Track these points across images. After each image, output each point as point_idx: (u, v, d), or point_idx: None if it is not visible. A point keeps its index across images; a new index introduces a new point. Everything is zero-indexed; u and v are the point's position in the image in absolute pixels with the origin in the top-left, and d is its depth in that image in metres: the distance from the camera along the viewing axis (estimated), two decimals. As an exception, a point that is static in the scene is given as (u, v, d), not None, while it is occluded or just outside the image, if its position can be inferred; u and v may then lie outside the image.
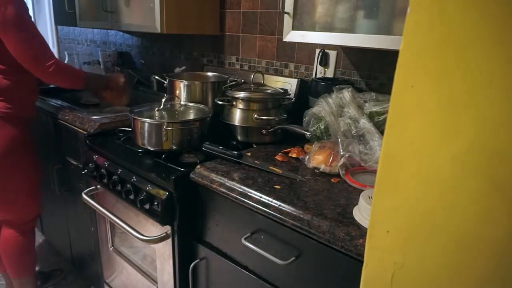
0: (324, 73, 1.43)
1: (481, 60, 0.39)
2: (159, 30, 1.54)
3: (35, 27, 1.38)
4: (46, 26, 2.88)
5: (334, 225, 0.76)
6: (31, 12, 1.97)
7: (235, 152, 1.08)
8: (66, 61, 2.35)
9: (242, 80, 1.53)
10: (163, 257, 1.18)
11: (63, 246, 1.95)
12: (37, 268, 1.95)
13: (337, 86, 1.22)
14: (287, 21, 1.14)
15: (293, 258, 0.85)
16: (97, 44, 2.60)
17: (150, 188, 1.10)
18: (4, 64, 1.37)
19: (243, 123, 1.25)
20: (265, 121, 1.24)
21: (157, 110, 1.30)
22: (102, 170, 1.26)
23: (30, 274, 1.64)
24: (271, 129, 1.24)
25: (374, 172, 0.96)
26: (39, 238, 2.22)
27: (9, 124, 1.39)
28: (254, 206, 0.89)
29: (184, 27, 1.62)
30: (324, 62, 1.42)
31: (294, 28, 1.14)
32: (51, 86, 1.97)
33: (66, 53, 2.43)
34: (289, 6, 1.12)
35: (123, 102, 1.68)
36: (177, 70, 1.89)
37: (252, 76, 1.33)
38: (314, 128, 1.16)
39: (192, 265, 1.11)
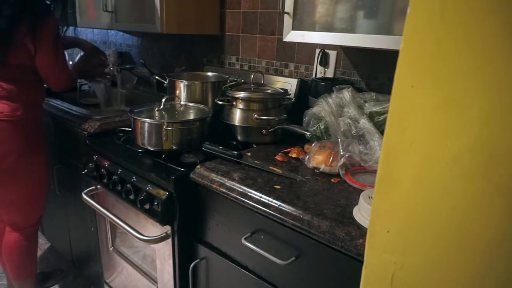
0: (324, 73, 1.43)
1: (482, 59, 0.39)
2: (159, 30, 1.54)
3: (62, 42, 1.42)
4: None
5: (334, 225, 0.76)
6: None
7: (235, 152, 1.08)
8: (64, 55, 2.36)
9: (242, 80, 1.53)
10: (163, 257, 1.18)
11: (63, 246, 1.95)
12: (37, 268, 1.96)
13: (337, 86, 1.22)
14: (287, 21, 1.14)
15: (293, 258, 0.85)
16: (97, 44, 2.59)
17: (150, 188, 1.10)
18: (15, 68, 1.36)
19: (243, 123, 1.25)
20: (265, 121, 1.24)
21: (157, 110, 1.30)
22: (102, 170, 1.26)
23: (31, 277, 1.64)
24: (271, 129, 1.24)
25: (374, 172, 0.96)
26: (39, 238, 2.22)
27: (24, 128, 1.38)
28: (254, 206, 0.89)
29: (184, 27, 1.62)
30: (324, 62, 1.42)
31: (294, 28, 1.14)
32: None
33: (66, 53, 2.42)
34: (289, 6, 1.12)
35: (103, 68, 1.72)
36: (177, 70, 1.89)
37: (252, 76, 1.33)
38: (314, 128, 1.16)
39: (192, 265, 1.11)
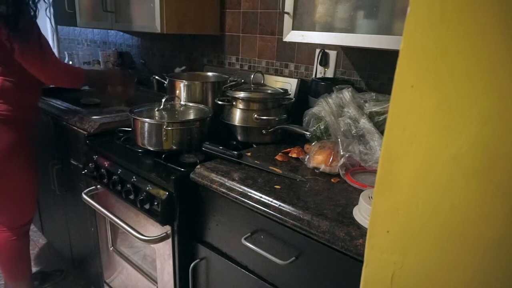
0: (324, 73, 1.43)
1: (482, 59, 0.39)
2: (159, 30, 1.54)
3: (39, 30, 1.38)
4: (46, 26, 2.88)
5: (334, 225, 0.76)
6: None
7: (235, 152, 1.08)
8: (65, 61, 2.36)
9: (242, 80, 1.53)
10: (163, 257, 1.18)
11: (63, 246, 1.95)
12: (37, 268, 1.96)
13: (337, 86, 1.22)
14: (287, 21, 1.14)
15: (293, 258, 0.85)
16: (97, 44, 2.60)
17: (150, 188, 1.10)
18: (5, 65, 1.36)
19: (243, 123, 1.25)
20: (265, 121, 1.24)
21: (157, 110, 1.30)
22: (102, 170, 1.26)
23: (25, 278, 1.64)
24: (271, 129, 1.24)
25: (374, 172, 0.96)
26: (39, 238, 2.22)
27: (9, 128, 1.38)
28: (254, 206, 0.89)
29: (184, 27, 1.62)
30: (324, 62, 1.42)
31: (294, 28, 1.14)
32: (51, 86, 1.97)
33: (66, 53, 2.43)
34: (289, 6, 1.12)
35: (126, 97, 1.68)
36: (177, 70, 1.89)
37: (252, 76, 1.33)
38: (314, 128, 1.16)
39: (192, 265, 1.11)
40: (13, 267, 1.59)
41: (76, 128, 1.49)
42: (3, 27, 1.25)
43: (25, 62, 1.34)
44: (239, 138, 1.27)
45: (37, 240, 2.21)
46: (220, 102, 1.32)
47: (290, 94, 1.38)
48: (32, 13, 1.32)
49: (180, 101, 1.38)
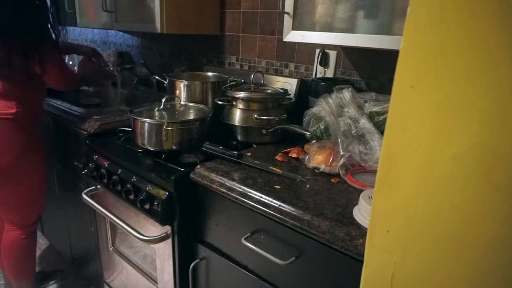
0: (324, 73, 1.43)
1: (482, 59, 0.39)
2: (159, 30, 1.54)
3: (59, 47, 1.44)
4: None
5: (334, 225, 0.76)
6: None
7: (235, 152, 1.08)
8: (65, 61, 2.36)
9: (242, 80, 1.53)
10: (163, 257, 1.18)
11: (63, 246, 1.95)
12: (37, 268, 1.96)
13: (337, 86, 1.22)
14: (287, 21, 1.14)
15: (293, 258, 0.85)
16: (97, 44, 2.60)
17: (150, 188, 1.10)
18: (15, 69, 1.36)
19: (243, 123, 1.25)
20: (265, 121, 1.24)
21: (157, 110, 1.30)
22: (102, 170, 1.26)
23: (30, 277, 1.64)
24: (271, 129, 1.24)
25: (374, 172, 0.96)
26: (39, 238, 2.22)
27: (21, 127, 1.38)
28: (254, 206, 0.89)
29: (184, 27, 1.62)
30: (324, 62, 1.42)
31: (294, 28, 1.14)
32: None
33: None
34: (289, 6, 1.12)
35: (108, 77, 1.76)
36: (177, 70, 1.89)
37: (252, 76, 1.33)
38: (314, 128, 1.16)
39: (192, 265, 1.11)
40: (19, 266, 1.60)
41: (76, 128, 1.49)
42: (22, 40, 1.29)
43: (45, 74, 1.39)
44: (239, 138, 1.27)
45: (37, 240, 2.20)
46: (220, 102, 1.32)
47: (290, 94, 1.38)
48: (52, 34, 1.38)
49: (180, 101, 1.38)
